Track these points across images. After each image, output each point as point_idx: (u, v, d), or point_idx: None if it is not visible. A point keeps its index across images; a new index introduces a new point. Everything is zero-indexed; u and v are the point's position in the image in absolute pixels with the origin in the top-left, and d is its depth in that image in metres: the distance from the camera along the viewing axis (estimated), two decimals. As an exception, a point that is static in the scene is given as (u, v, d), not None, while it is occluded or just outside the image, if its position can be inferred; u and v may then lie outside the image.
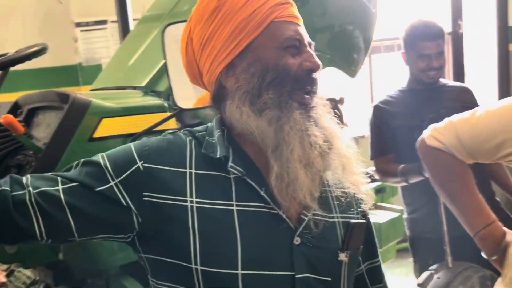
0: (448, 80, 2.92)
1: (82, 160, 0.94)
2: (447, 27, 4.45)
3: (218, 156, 0.92)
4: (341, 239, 0.98)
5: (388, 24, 4.28)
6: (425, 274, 1.93)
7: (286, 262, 0.91)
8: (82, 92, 1.50)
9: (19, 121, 1.40)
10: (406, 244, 4.48)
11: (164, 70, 1.58)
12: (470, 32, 4.39)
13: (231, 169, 0.92)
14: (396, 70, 4.40)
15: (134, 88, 1.70)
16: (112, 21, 3.52)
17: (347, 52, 2.27)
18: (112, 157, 0.93)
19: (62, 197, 0.89)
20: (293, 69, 0.92)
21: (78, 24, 3.56)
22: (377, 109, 2.21)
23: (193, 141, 0.95)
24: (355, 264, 1.03)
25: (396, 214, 2.56)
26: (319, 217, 0.95)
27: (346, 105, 2.50)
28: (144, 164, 0.91)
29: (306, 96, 0.93)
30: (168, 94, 1.60)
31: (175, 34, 1.43)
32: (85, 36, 3.59)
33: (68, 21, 3.55)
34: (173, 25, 1.38)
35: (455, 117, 1.37)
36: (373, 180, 2.73)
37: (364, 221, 1.02)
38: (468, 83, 4.44)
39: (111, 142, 1.47)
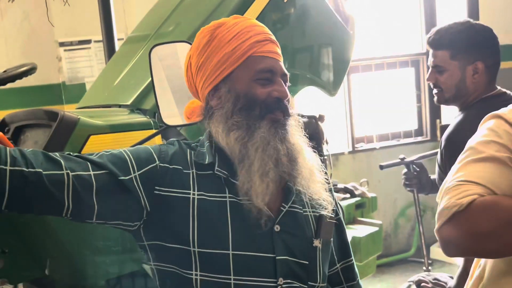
0: None
1: (105, 150, 1.09)
2: (422, 48, 4.61)
3: (206, 163, 1.13)
4: (314, 230, 1.17)
5: (365, 45, 4.41)
6: (404, 286, 1.98)
7: (268, 246, 1.11)
8: (69, 110, 1.53)
9: (8, 139, 1.43)
10: (387, 260, 4.54)
11: (149, 88, 1.63)
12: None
13: (217, 172, 1.13)
14: (373, 89, 4.52)
15: (120, 106, 1.74)
16: (96, 41, 3.55)
17: (326, 72, 2.34)
18: (134, 154, 1.10)
19: (94, 183, 1.03)
20: (261, 97, 1.11)
21: (62, 44, 3.59)
22: None
23: (190, 150, 1.16)
24: (327, 252, 1.21)
25: (375, 229, 2.58)
26: (295, 210, 1.16)
27: (326, 122, 2.57)
28: (160, 164, 1.11)
29: (278, 114, 1.11)
30: (153, 112, 1.65)
31: (161, 54, 1.49)
32: (68, 56, 3.61)
33: (52, 41, 3.57)
34: (159, 46, 1.44)
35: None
36: (353, 196, 2.79)
37: (332, 215, 1.20)
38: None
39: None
